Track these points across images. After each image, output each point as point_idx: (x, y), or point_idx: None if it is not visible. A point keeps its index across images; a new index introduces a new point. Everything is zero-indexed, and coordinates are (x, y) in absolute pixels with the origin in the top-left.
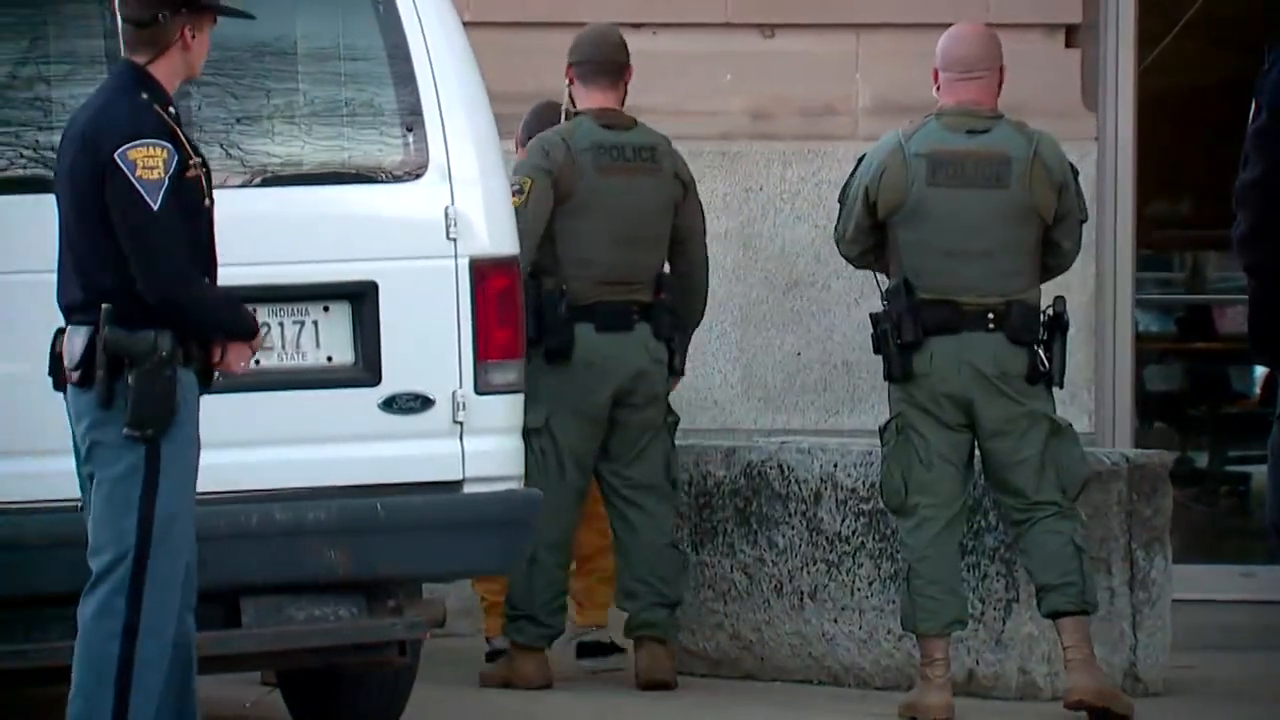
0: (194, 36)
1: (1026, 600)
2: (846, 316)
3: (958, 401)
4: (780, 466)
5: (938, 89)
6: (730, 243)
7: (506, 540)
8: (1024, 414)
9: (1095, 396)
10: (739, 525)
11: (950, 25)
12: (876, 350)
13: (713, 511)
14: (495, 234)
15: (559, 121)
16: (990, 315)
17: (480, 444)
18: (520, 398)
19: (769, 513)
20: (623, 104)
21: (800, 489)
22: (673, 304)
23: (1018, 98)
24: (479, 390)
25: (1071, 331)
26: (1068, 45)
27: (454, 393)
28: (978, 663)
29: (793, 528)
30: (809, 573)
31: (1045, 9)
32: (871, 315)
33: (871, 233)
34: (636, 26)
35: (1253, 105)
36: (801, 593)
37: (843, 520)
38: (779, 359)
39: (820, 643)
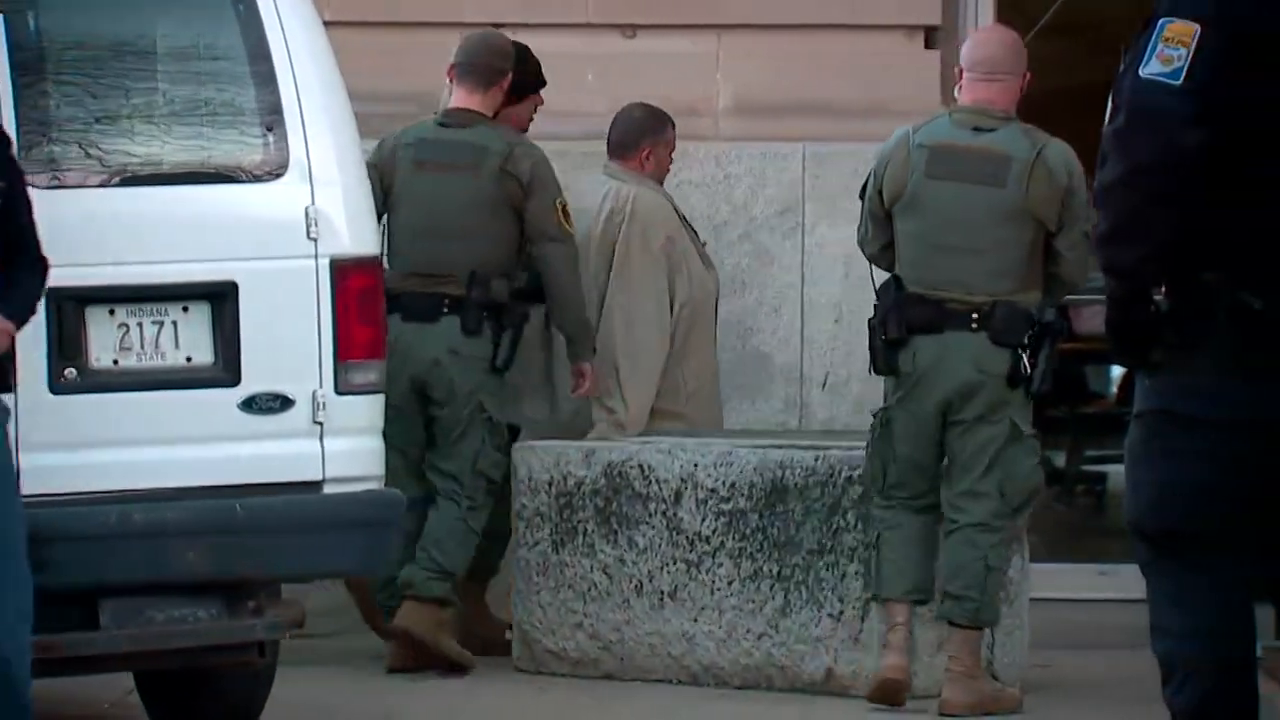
0: None
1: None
2: None
3: (939, 401)
4: (640, 466)
5: (959, 88)
6: None
7: (367, 540)
8: (990, 413)
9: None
10: (599, 525)
11: (810, 26)
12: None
13: (573, 511)
14: (356, 234)
15: (648, 122)
16: (974, 315)
17: (340, 444)
18: (381, 398)
19: (629, 512)
20: (496, 107)
21: (660, 489)
22: (484, 299)
23: (878, 98)
24: (339, 390)
25: None
26: (927, 46)
27: (314, 393)
28: (836, 661)
29: (653, 527)
30: (669, 572)
31: (905, 11)
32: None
33: (886, 225)
34: (498, 27)
35: (1109, 105)
36: (661, 592)
37: (703, 520)
38: None
39: (680, 642)
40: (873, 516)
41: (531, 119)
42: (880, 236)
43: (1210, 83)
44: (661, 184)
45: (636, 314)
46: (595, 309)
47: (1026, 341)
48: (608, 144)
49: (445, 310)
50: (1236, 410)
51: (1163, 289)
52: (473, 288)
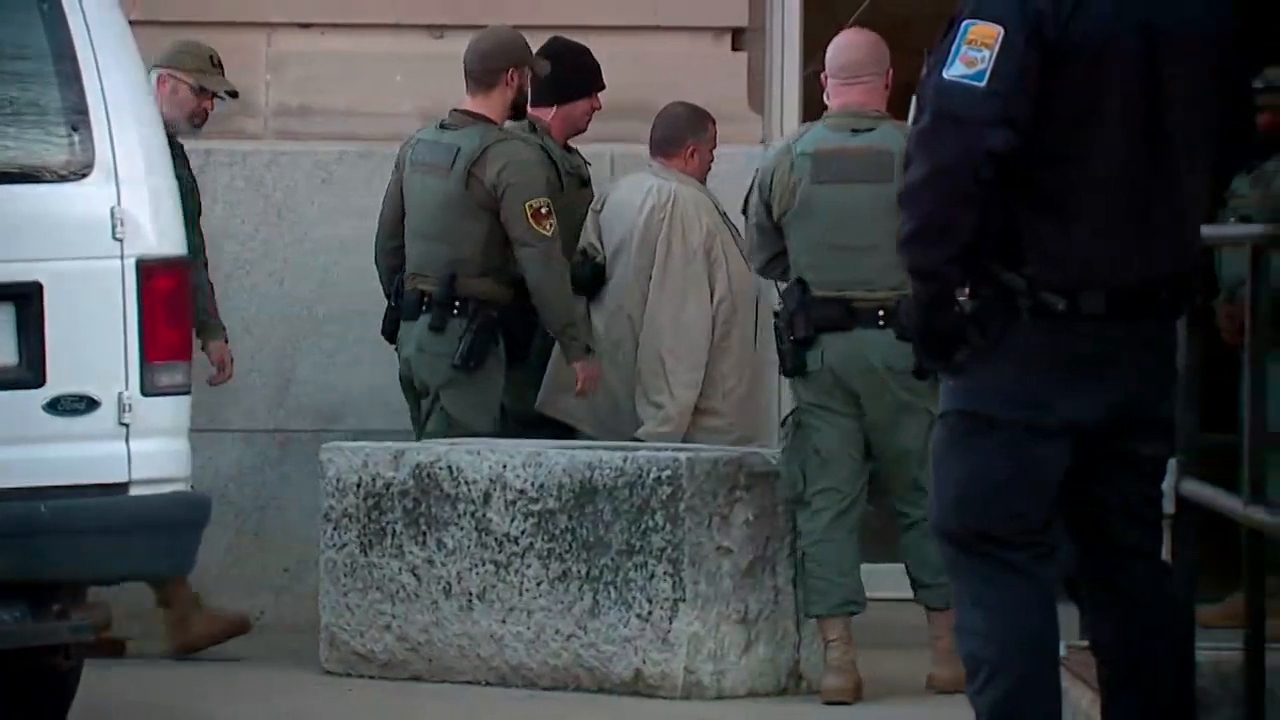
0: None
1: (693, 599)
2: None
3: (848, 394)
4: (449, 467)
5: (827, 95)
6: None
7: (174, 542)
8: (905, 407)
9: (771, 399)
10: (408, 526)
11: (617, 28)
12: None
13: (381, 513)
14: (162, 234)
15: (692, 120)
16: (881, 311)
17: (147, 445)
18: (188, 399)
19: (438, 514)
20: (505, 104)
21: (469, 490)
22: (449, 297)
23: (686, 101)
24: (145, 391)
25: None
26: (734, 48)
27: (120, 394)
28: (644, 662)
29: (461, 529)
30: (478, 573)
31: (712, 12)
32: (774, 312)
33: (774, 237)
34: (305, 26)
35: (913, 106)
36: (470, 593)
37: (511, 521)
38: None
39: (488, 643)
40: (799, 532)
41: (589, 119)
42: (767, 248)
43: (1013, 85)
44: (704, 181)
45: (680, 309)
46: (639, 305)
47: None
48: (650, 142)
49: (423, 309)
50: (1038, 411)
51: (966, 290)
52: (441, 286)
